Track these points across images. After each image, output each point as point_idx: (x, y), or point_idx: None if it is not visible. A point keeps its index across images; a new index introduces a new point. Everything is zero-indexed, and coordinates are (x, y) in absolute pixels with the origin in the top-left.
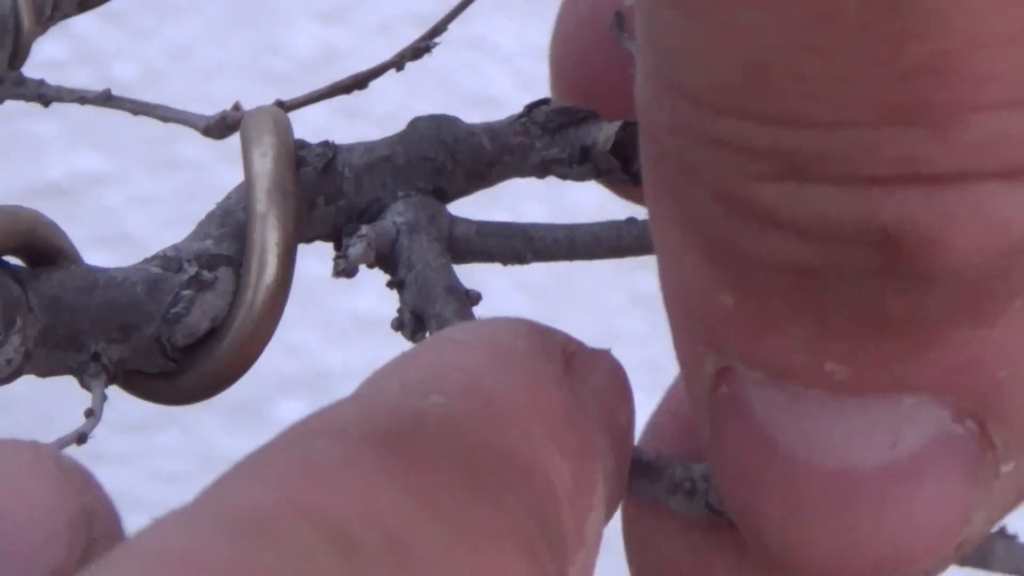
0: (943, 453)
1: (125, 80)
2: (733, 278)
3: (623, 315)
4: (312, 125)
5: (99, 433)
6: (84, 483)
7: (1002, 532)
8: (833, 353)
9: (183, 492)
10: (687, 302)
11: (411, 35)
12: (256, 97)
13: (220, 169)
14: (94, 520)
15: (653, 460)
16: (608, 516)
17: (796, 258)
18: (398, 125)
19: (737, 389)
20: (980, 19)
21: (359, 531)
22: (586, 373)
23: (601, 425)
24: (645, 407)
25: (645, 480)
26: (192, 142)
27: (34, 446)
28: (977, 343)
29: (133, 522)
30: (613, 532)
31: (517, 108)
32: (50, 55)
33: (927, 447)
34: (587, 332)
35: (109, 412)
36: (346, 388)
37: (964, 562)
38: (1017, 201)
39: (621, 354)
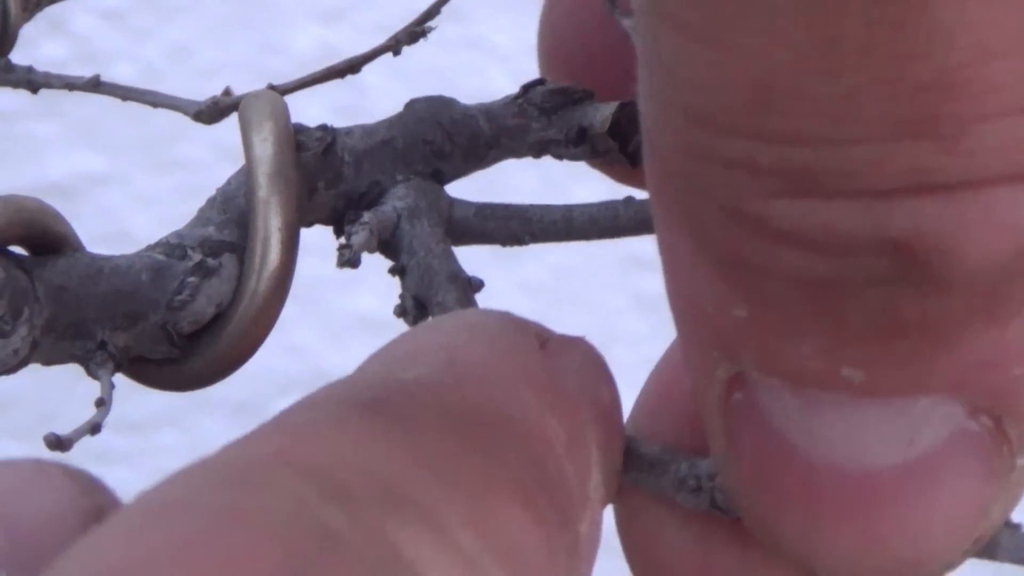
0: (960, 450)
1: (125, 80)
2: (746, 291)
3: (623, 315)
4: (311, 124)
5: (99, 433)
6: (90, 485)
7: (1007, 522)
8: (849, 359)
9: None
10: (698, 313)
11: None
12: None
13: (220, 169)
14: (104, 515)
15: (657, 455)
16: (606, 496)
17: (810, 270)
18: None
19: (752, 395)
20: (983, 32)
21: (349, 478)
22: (562, 354)
23: (584, 397)
24: None
25: (650, 475)
26: (192, 143)
27: (37, 461)
28: (992, 343)
29: None
30: (614, 531)
31: None
32: (50, 55)
33: (944, 444)
34: (587, 332)
35: (110, 412)
36: None
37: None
38: None
39: (621, 354)
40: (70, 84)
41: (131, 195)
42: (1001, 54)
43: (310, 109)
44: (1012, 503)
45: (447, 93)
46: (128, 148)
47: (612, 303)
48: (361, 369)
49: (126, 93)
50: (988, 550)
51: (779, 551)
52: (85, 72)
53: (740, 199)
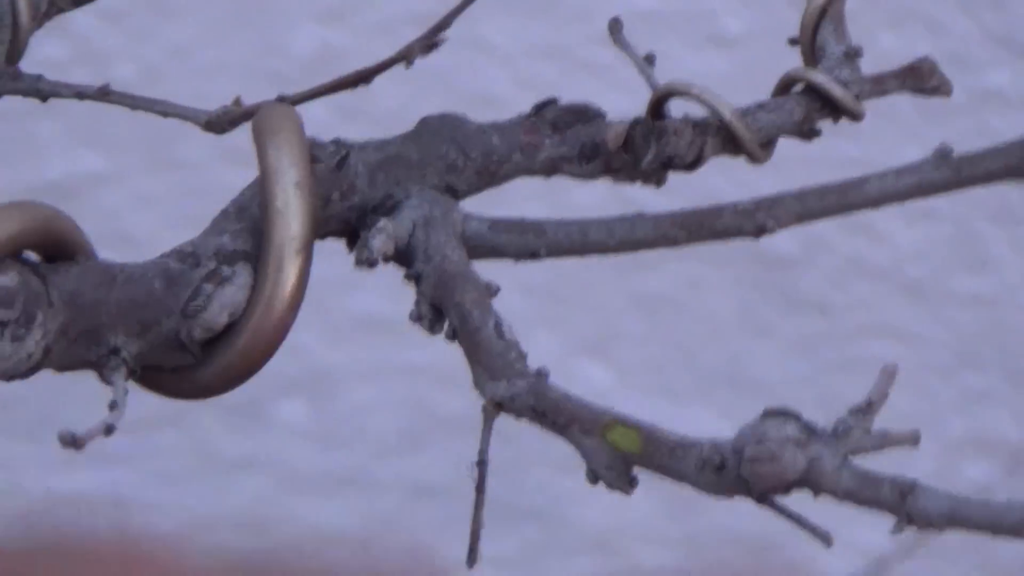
0: None
1: (125, 80)
2: None
3: (623, 315)
4: (312, 124)
5: (113, 434)
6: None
7: None
8: None
9: (183, 492)
10: None
11: (411, 35)
12: (256, 97)
13: (220, 169)
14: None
15: (679, 440)
16: None
17: None
18: (399, 125)
19: None
20: None
21: None
22: None
23: None
24: (645, 407)
25: (671, 459)
26: (192, 142)
27: None
28: None
29: (133, 522)
30: (614, 531)
31: (517, 108)
32: (50, 55)
33: None
34: (587, 332)
35: (123, 416)
36: (346, 388)
37: (1002, 531)
38: None
39: (621, 354)
40: (80, 93)
41: (131, 195)
42: None
43: (311, 108)
44: None
45: (448, 93)
46: (128, 148)
47: (612, 303)
48: None
49: (134, 102)
50: (1018, 529)
51: None
52: (86, 73)
53: None
